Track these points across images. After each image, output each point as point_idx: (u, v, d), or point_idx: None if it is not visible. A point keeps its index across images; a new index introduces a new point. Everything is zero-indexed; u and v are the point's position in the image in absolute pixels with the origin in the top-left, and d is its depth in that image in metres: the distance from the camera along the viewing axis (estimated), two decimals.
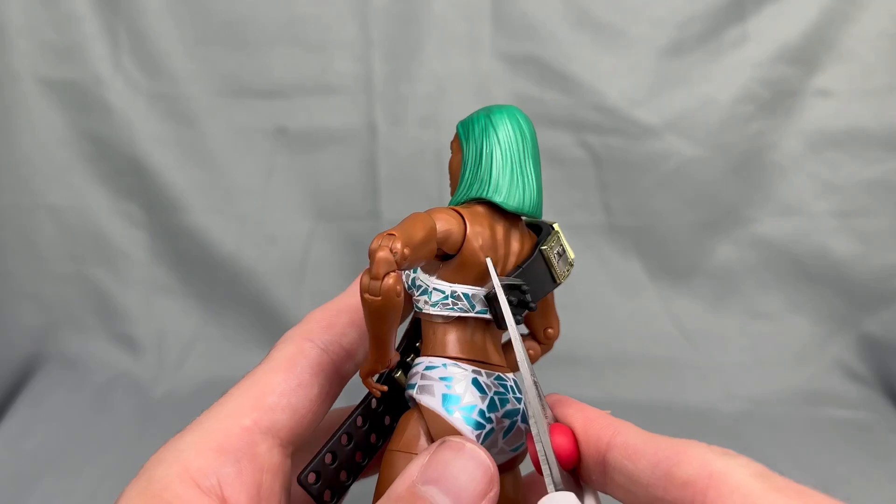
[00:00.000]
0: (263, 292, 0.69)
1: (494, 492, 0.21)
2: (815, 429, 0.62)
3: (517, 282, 0.25)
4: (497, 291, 0.24)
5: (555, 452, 0.21)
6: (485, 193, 0.26)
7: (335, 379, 0.25)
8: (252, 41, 0.65)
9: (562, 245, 0.28)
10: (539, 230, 0.28)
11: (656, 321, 0.71)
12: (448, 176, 0.28)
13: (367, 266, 0.21)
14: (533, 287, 0.26)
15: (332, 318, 0.26)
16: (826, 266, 0.69)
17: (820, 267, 0.69)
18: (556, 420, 0.23)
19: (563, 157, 0.68)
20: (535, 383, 0.23)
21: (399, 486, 0.21)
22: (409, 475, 0.21)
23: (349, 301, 0.27)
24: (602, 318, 0.71)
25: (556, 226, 0.28)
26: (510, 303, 0.24)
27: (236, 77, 0.66)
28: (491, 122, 0.26)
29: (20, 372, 0.69)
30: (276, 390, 0.24)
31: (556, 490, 0.21)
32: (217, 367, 0.67)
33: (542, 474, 0.21)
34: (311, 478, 0.24)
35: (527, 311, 0.25)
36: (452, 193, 0.27)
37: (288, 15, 0.65)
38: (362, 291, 0.21)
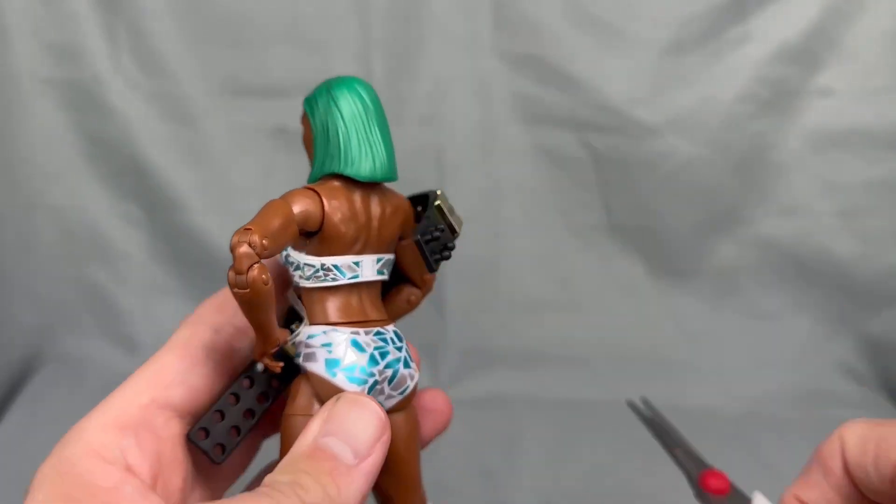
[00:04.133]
0: None
1: (387, 436, 0.24)
2: (816, 429, 0.61)
3: (434, 229, 0.28)
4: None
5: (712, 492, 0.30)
6: (337, 168, 0.27)
7: (229, 355, 0.28)
8: (252, 40, 0.65)
9: (450, 203, 0.29)
10: (425, 197, 0.29)
11: (657, 321, 0.71)
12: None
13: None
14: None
15: (222, 302, 0.28)
16: (827, 266, 0.69)
17: (821, 267, 0.69)
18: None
19: (564, 157, 0.68)
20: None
21: (302, 442, 0.23)
22: (311, 432, 0.23)
23: None
24: (603, 317, 0.71)
25: (439, 191, 0.29)
26: (434, 246, 0.27)
27: (236, 76, 0.66)
28: (332, 96, 0.27)
29: (19, 372, 0.69)
30: (172, 370, 0.26)
31: None
32: None
33: None
34: (201, 434, 0.26)
35: (447, 256, 0.28)
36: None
37: (288, 14, 0.65)
38: (231, 287, 0.23)
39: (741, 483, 0.37)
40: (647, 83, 0.66)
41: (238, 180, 0.68)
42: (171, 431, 0.26)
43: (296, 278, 0.27)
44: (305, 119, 0.28)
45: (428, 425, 0.31)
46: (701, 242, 0.70)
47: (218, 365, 0.27)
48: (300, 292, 0.28)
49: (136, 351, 0.69)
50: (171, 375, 0.26)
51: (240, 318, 0.26)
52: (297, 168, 0.69)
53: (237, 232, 0.23)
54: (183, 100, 0.66)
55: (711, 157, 0.67)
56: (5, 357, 0.69)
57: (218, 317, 0.28)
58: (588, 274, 0.71)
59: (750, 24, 0.65)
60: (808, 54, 0.65)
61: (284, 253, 0.27)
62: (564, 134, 0.67)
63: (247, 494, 0.21)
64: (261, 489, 0.22)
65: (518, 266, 0.70)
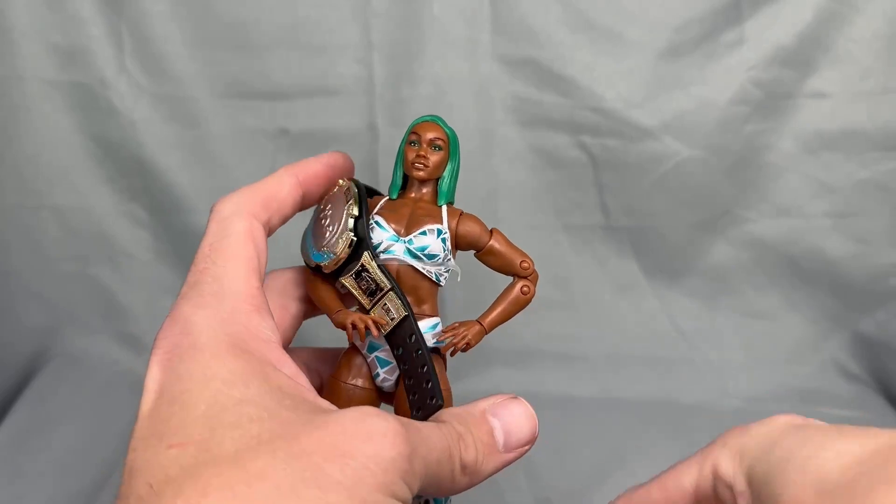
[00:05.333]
0: None
1: (530, 446, 0.28)
2: None
3: None
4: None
5: None
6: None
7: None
8: (255, 44, 0.66)
9: None
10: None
11: (653, 320, 0.72)
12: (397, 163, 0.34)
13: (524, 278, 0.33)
14: None
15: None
16: (821, 266, 0.70)
17: (815, 267, 0.70)
18: None
19: (561, 159, 0.69)
20: None
21: (477, 407, 0.28)
22: (486, 403, 0.28)
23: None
24: (599, 317, 0.72)
25: None
26: None
27: (239, 79, 0.67)
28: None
29: (24, 370, 0.69)
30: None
31: None
32: None
33: None
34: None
35: None
36: (419, 179, 0.33)
37: (290, 18, 0.66)
38: (530, 297, 0.32)
39: None
40: (643, 86, 0.67)
41: (241, 181, 0.68)
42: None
43: (442, 279, 0.33)
44: (447, 146, 0.34)
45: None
46: (696, 242, 0.71)
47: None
48: (422, 290, 0.33)
49: (140, 349, 0.69)
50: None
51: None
52: None
53: (527, 260, 0.33)
54: (187, 102, 0.67)
55: (706, 158, 0.68)
56: (11, 355, 0.69)
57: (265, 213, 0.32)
58: (585, 273, 0.71)
59: (744, 28, 0.66)
60: (801, 57, 0.66)
61: (449, 256, 0.33)
62: (562, 136, 0.68)
63: (430, 424, 0.25)
64: (440, 422, 0.26)
65: None
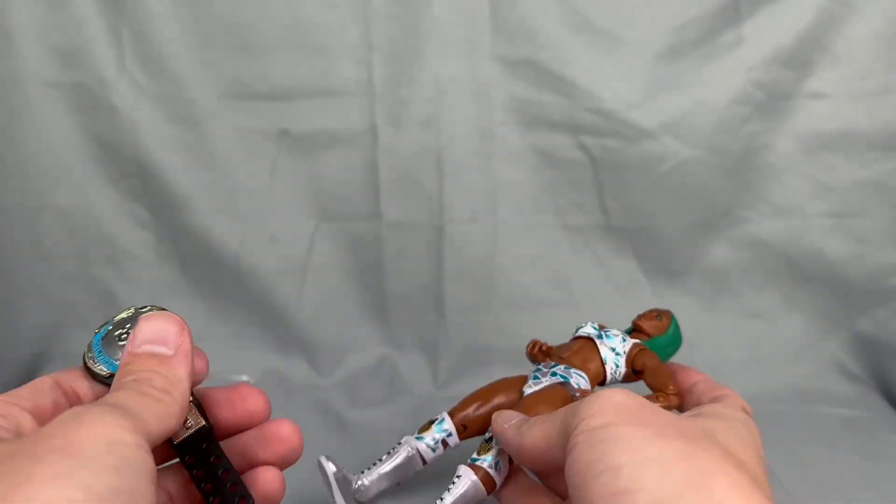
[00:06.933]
0: (267, 292, 0.70)
1: (187, 329, 0.28)
2: (809, 427, 0.63)
3: None
4: None
5: None
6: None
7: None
8: (255, 45, 0.66)
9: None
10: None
11: None
12: None
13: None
14: None
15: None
16: (820, 266, 0.70)
17: (814, 267, 0.70)
18: None
19: (561, 159, 0.69)
20: None
21: (123, 359, 0.27)
22: (126, 350, 0.27)
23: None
24: (599, 317, 0.71)
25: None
26: None
27: (240, 80, 0.67)
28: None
29: (26, 371, 0.70)
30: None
31: None
32: (220, 365, 0.68)
33: None
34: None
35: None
36: (647, 336, 0.51)
37: (291, 19, 0.66)
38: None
39: None
40: (642, 87, 0.67)
41: (242, 181, 0.69)
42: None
43: (607, 372, 0.47)
44: (669, 323, 0.50)
45: (274, 455, 0.32)
46: (695, 243, 0.71)
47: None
48: (591, 364, 0.47)
49: None
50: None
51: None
52: (299, 170, 0.70)
53: (676, 386, 0.43)
54: (187, 103, 0.67)
55: (706, 158, 0.68)
56: (12, 355, 0.70)
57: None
58: (584, 274, 0.71)
59: (744, 28, 0.66)
60: (801, 57, 0.66)
61: (619, 353, 0.46)
62: (561, 136, 0.68)
63: (114, 395, 0.24)
64: (114, 395, 0.25)
65: (516, 266, 0.71)
